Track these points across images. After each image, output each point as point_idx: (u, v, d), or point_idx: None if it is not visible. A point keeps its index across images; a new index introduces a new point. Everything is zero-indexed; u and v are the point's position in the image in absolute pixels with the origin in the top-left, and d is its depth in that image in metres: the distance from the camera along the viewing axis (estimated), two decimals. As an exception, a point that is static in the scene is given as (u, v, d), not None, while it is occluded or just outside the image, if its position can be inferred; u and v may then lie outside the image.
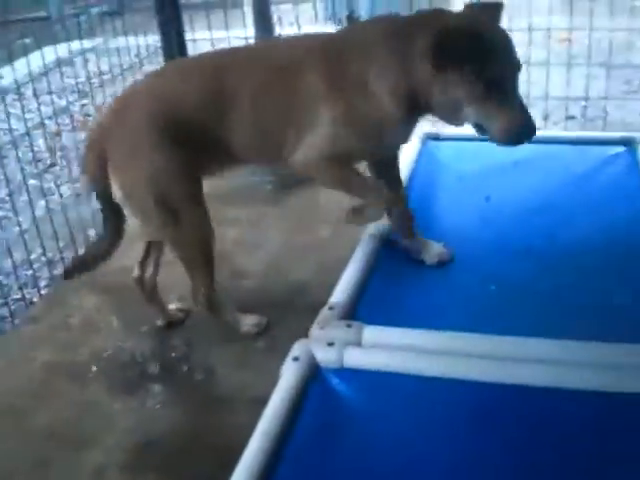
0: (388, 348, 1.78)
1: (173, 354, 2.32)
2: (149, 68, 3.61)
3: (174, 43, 3.52)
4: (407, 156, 2.67)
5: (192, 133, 2.00)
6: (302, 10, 4.04)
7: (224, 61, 2.10)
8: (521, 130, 1.80)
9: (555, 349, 1.72)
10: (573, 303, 1.96)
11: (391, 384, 1.71)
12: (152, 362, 2.29)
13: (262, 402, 1.61)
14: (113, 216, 2.14)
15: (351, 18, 4.82)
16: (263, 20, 3.49)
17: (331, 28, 4.46)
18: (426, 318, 1.92)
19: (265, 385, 1.69)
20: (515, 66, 1.82)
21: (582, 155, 2.70)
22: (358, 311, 1.94)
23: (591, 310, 1.92)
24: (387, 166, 2.15)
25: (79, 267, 2.28)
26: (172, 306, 2.46)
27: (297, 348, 1.77)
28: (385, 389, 1.71)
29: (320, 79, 1.91)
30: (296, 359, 1.74)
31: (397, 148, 2.14)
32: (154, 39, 3.58)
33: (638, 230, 2.23)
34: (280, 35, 3.82)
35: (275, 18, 3.73)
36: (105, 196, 2.08)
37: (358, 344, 1.78)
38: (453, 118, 1.87)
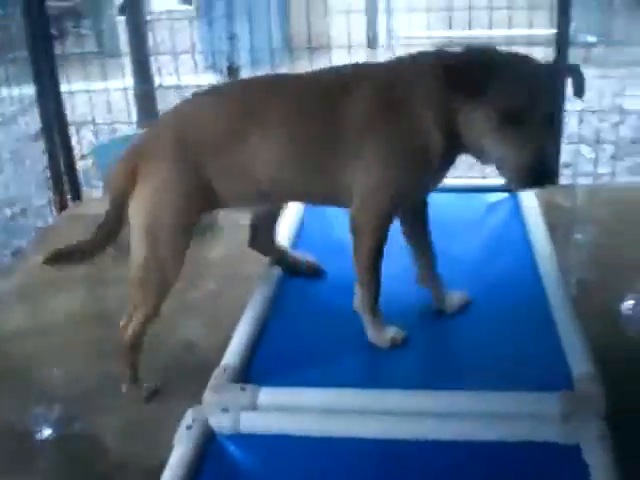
0: (284, 410, 1.74)
1: (56, 425, 2.18)
2: (25, 120, 3.49)
3: (49, 94, 3.41)
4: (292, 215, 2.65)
5: (212, 157, 1.95)
6: (182, 60, 3.99)
7: (260, 88, 2.04)
8: (532, 170, 1.70)
9: (447, 401, 1.74)
10: (462, 354, 1.99)
11: (288, 447, 1.67)
12: (33, 435, 2.14)
13: (155, 475, 1.53)
14: (114, 224, 2.05)
15: (231, 69, 4.82)
16: (142, 70, 3.44)
17: (212, 79, 4.44)
18: (324, 375, 1.89)
19: (158, 455, 1.61)
20: (542, 103, 1.71)
21: (467, 203, 2.76)
22: (252, 372, 1.88)
23: (479, 360, 1.94)
24: (417, 215, 2.10)
25: (60, 257, 2.15)
26: None
27: (190, 415, 1.71)
28: (282, 453, 1.67)
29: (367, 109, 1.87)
30: (190, 427, 1.68)
31: (430, 190, 2.03)
32: (31, 90, 3.45)
33: (524, 278, 2.27)
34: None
35: (154, 68, 3.68)
36: (119, 204, 2.02)
37: (253, 408, 1.74)
38: (479, 153, 1.83)
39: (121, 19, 3.97)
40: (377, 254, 1.95)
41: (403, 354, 1.96)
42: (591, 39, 5.81)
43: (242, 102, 1.97)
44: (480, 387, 1.77)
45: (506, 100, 1.70)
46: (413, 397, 1.76)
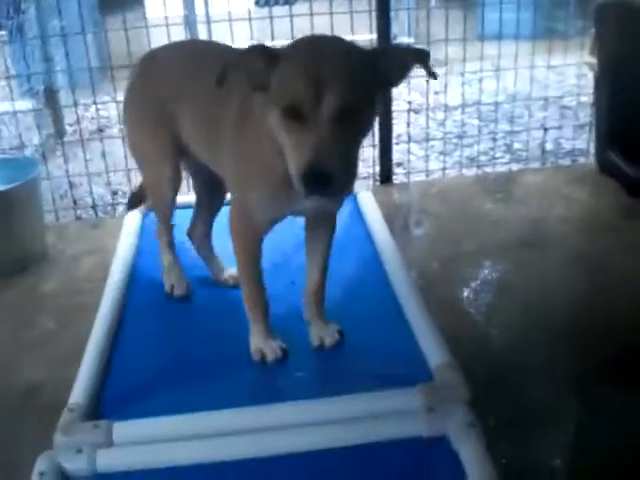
0: (141, 443, 1.64)
1: None
2: None
3: None
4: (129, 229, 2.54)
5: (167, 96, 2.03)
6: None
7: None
8: (304, 175, 1.44)
9: (306, 410, 1.69)
10: (315, 359, 1.94)
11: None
12: None
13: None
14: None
15: (49, 90, 4.60)
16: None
17: (29, 104, 4.22)
18: (178, 400, 1.78)
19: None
20: (328, 97, 1.43)
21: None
22: (103, 408, 1.76)
23: (335, 363, 1.91)
24: (318, 231, 1.92)
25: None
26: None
27: (42, 461, 1.57)
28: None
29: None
30: (43, 474, 1.55)
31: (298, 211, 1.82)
32: None
33: (371, 275, 2.27)
34: None
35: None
36: None
37: (110, 444, 1.62)
38: None
39: None
40: (248, 256, 1.87)
41: (258, 366, 1.90)
42: (409, 40, 6.05)
43: (190, 60, 2.04)
44: (340, 391, 1.73)
45: (283, 93, 1.49)
46: (271, 411, 1.70)
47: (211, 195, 2.26)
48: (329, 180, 1.43)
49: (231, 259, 1.95)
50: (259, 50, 1.56)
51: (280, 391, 1.85)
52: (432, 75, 1.58)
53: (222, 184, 2.08)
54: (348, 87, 1.46)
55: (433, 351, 1.85)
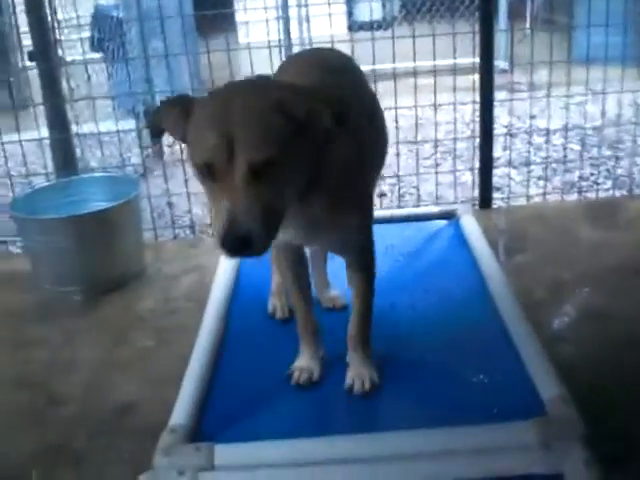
0: (243, 467, 1.61)
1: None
2: None
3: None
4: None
5: None
6: (97, 106, 3.85)
7: None
8: (222, 237, 1.39)
9: (420, 441, 1.62)
10: (425, 389, 1.86)
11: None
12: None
13: None
14: None
15: (148, 113, 4.68)
16: (57, 118, 3.28)
17: (130, 124, 4.31)
18: (280, 424, 1.77)
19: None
20: (238, 152, 1.38)
21: (404, 232, 2.69)
22: (204, 430, 1.74)
23: (444, 394, 1.83)
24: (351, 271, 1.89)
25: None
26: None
27: (145, 482, 1.56)
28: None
29: None
30: (145, 494, 1.53)
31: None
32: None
33: (478, 303, 2.20)
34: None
35: (70, 116, 3.52)
36: None
37: (211, 467, 1.60)
38: None
39: (32, 69, 3.79)
40: (283, 277, 1.90)
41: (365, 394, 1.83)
42: (504, 65, 5.94)
43: None
44: (449, 423, 1.66)
45: (196, 150, 1.44)
46: (382, 440, 1.64)
47: None
48: (247, 242, 1.39)
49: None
50: (175, 101, 1.52)
51: (386, 419, 1.80)
52: (338, 122, 1.45)
53: None
54: (259, 143, 1.40)
55: (545, 383, 1.77)
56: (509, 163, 3.97)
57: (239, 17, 7.63)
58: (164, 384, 1.97)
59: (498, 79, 3.76)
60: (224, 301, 2.25)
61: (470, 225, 2.60)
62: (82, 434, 2.16)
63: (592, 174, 4.26)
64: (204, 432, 1.73)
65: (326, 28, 3.75)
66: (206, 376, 1.92)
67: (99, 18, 5.13)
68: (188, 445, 1.65)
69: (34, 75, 3.67)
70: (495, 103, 3.62)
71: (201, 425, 1.75)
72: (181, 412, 1.76)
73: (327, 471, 1.59)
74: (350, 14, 8.15)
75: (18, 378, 2.49)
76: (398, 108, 3.50)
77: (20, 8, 3.45)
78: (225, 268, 2.44)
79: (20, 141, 3.44)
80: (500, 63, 5.80)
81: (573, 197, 3.96)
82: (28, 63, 3.52)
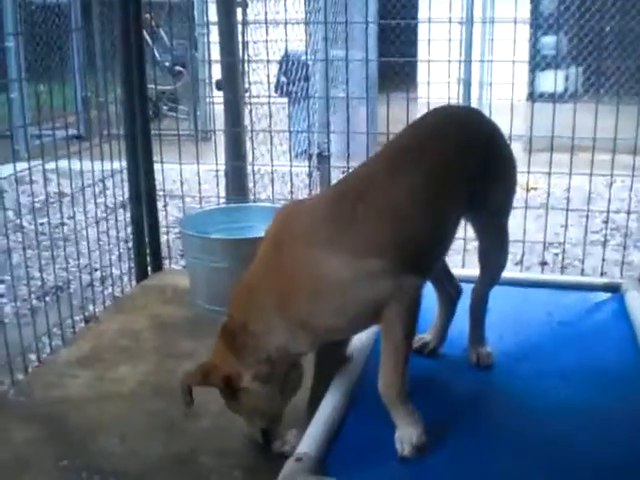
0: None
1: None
2: (110, 192, 3.50)
3: (141, 168, 3.41)
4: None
5: None
6: (276, 143, 3.99)
7: None
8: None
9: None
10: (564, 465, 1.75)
11: None
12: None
13: None
14: None
15: (321, 156, 4.79)
16: (235, 146, 3.42)
17: (304, 165, 4.41)
18: (400, 475, 1.71)
19: None
20: None
21: (565, 300, 2.58)
22: (330, 463, 1.71)
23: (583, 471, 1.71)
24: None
25: None
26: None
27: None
28: None
29: None
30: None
31: None
32: (121, 165, 3.47)
33: (629, 382, 2.06)
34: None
35: (248, 147, 3.66)
36: None
37: (331, 503, 1.56)
38: None
39: (217, 101, 3.98)
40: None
41: (506, 458, 1.75)
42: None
43: None
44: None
45: None
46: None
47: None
48: None
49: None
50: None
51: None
52: None
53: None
54: None
55: None
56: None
57: (420, 77, 7.72)
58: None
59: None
60: (370, 332, 2.20)
61: (635, 301, 2.44)
62: (211, 450, 2.18)
63: None
64: (329, 466, 1.70)
65: (507, 93, 3.71)
66: (341, 409, 1.89)
67: (288, 62, 5.33)
68: (311, 476, 1.63)
69: (220, 110, 3.86)
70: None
71: (327, 458, 1.72)
72: (311, 442, 1.74)
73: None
74: (532, 83, 8.03)
75: (159, 387, 2.57)
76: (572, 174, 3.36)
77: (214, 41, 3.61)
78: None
79: (198, 164, 3.58)
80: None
81: None
82: (215, 92, 3.70)
